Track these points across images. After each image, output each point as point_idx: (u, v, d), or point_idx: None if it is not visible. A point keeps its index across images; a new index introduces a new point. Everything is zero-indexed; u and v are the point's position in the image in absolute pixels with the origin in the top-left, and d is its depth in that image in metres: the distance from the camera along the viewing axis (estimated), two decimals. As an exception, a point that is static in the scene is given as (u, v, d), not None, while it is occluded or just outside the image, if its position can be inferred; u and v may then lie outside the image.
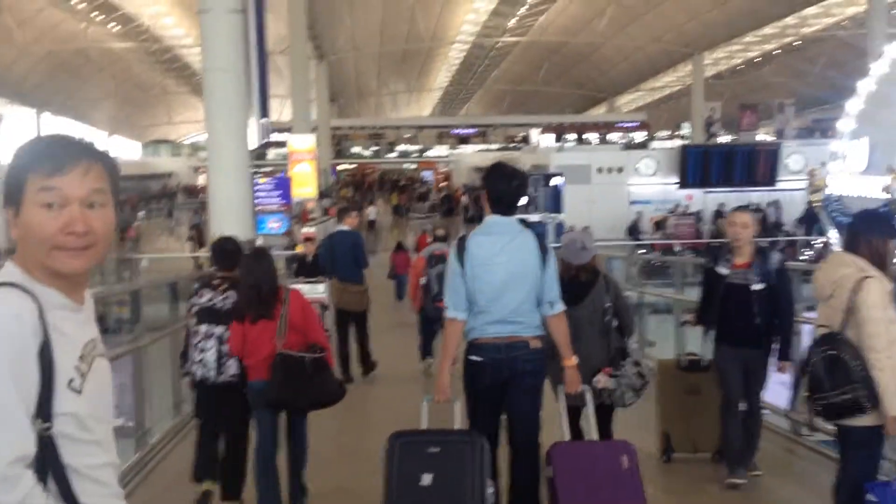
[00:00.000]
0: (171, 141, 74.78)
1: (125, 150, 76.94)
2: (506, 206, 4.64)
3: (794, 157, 31.94)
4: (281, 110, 61.47)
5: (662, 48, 58.21)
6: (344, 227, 10.03)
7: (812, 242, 24.41)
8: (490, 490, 4.28)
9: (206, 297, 5.65)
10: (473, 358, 4.62)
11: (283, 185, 33.72)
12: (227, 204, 24.08)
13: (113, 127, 76.32)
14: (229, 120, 23.82)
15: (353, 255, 9.74)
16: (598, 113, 75.56)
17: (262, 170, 39.57)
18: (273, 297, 5.33)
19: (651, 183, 31.75)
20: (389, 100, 77.85)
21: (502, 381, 4.60)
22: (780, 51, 61.85)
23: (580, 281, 5.41)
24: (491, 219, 4.65)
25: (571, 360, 4.74)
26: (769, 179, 31.54)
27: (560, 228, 25.81)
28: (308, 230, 33.82)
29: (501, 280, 4.51)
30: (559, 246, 5.76)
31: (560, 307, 4.66)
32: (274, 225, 33.37)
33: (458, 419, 4.73)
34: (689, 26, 53.16)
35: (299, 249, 19.25)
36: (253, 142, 31.56)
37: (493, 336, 4.54)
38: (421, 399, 4.84)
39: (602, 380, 5.29)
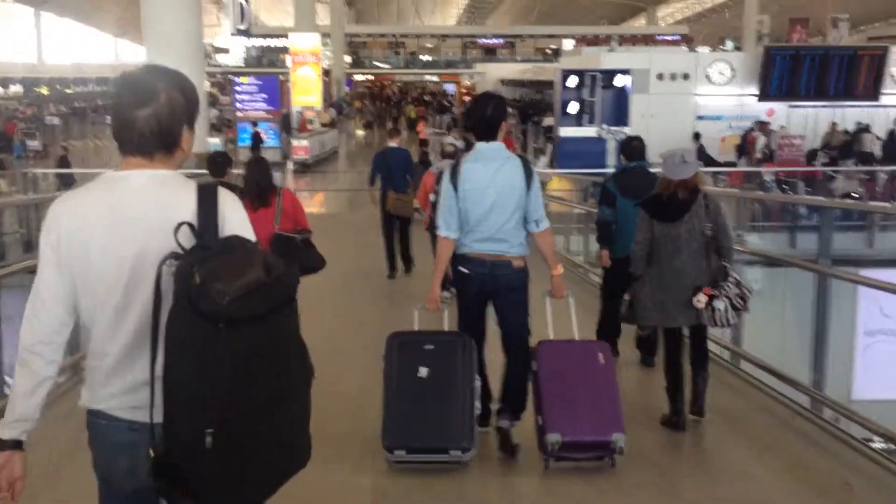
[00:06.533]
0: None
1: (132, 54, 69.83)
2: (487, 133, 4.80)
3: (904, 66, 24.43)
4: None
5: (713, -49, 50.14)
6: (394, 144, 11.08)
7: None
8: (477, 383, 4.65)
9: None
10: (461, 269, 4.87)
11: (271, 88, 26.49)
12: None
13: (119, 30, 69.14)
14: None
15: (405, 169, 10.62)
16: (637, 25, 67.19)
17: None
18: (268, 192, 6.56)
19: (724, 94, 24.29)
20: (411, 5, 69.60)
21: (486, 292, 4.86)
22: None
23: (678, 198, 5.18)
24: (480, 146, 4.83)
25: (558, 270, 4.96)
26: (872, 92, 24.10)
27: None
28: (300, 142, 27.09)
29: (491, 203, 4.72)
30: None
31: (545, 224, 4.85)
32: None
33: (446, 325, 5.09)
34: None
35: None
36: (231, 26, 24.61)
37: (480, 252, 4.79)
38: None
39: (703, 298, 5.10)
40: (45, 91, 55.54)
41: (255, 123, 26.10)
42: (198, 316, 1.97)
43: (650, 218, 5.22)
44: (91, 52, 70.63)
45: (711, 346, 6.72)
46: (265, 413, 2.05)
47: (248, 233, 2.27)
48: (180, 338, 2.01)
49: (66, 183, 17.16)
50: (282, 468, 2.19)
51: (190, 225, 2.13)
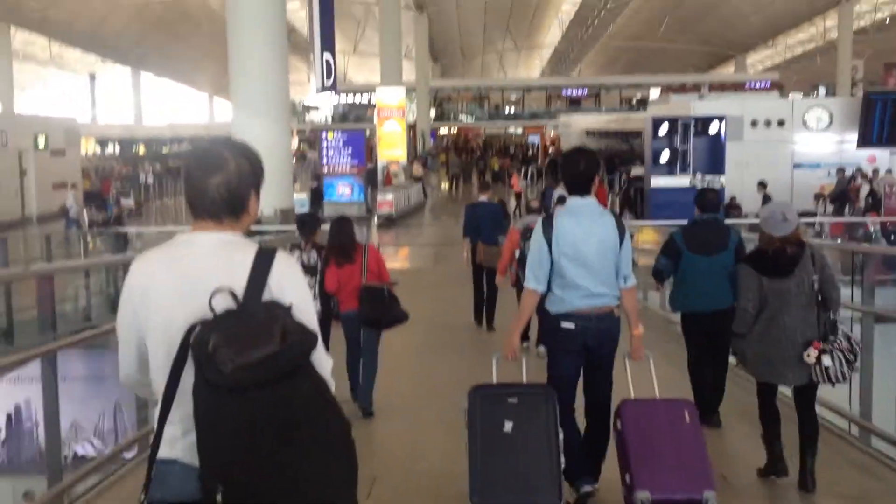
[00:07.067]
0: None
1: (226, 113, 71.87)
2: (580, 188, 4.83)
3: None
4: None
5: (802, -4, 49.06)
6: (484, 198, 11.29)
7: None
8: (561, 436, 4.57)
9: (295, 256, 7.26)
10: (566, 325, 4.80)
11: (356, 142, 26.52)
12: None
13: (214, 89, 71.23)
14: (259, 36, 17.08)
15: (494, 222, 10.78)
16: (726, 72, 66.02)
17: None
18: (351, 250, 7.09)
19: (822, 140, 23.32)
20: (495, 59, 69.95)
21: (589, 346, 4.82)
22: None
23: (786, 254, 5.07)
24: (573, 201, 4.86)
25: (639, 330, 4.91)
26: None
27: (719, 196, 17.94)
28: (385, 197, 27.00)
29: (586, 258, 4.72)
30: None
31: (632, 281, 4.86)
32: (343, 191, 26.39)
33: (525, 376, 4.95)
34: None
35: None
36: (317, 82, 24.78)
37: (586, 308, 4.75)
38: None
39: (813, 354, 4.92)
40: (141, 151, 57.36)
41: (317, 178, 26.16)
42: (206, 382, 2.10)
43: (757, 274, 5.08)
44: (187, 111, 73.02)
45: (837, 419, 6.14)
46: (278, 473, 2.12)
47: (297, 296, 2.34)
48: (195, 402, 2.15)
49: (122, 243, 17.56)
50: None
51: (231, 292, 2.22)
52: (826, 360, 4.87)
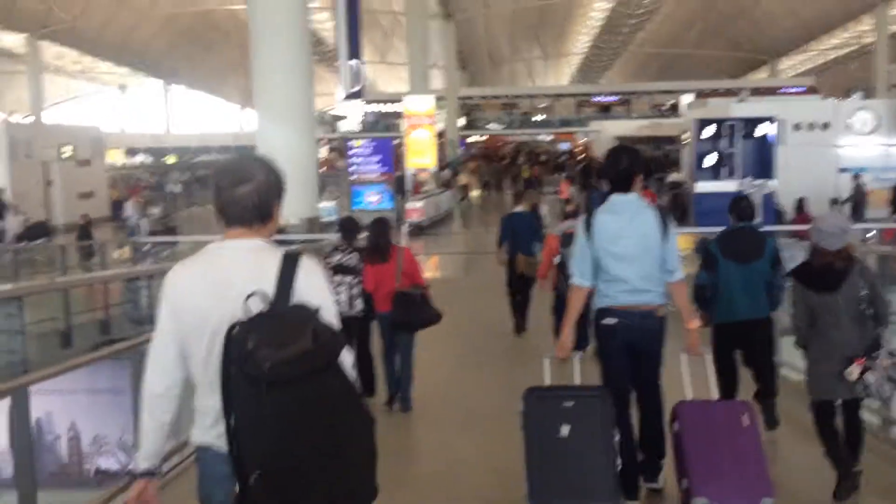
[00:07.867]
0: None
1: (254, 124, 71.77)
2: (622, 185, 4.81)
3: None
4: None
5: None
6: (519, 209, 11.17)
7: None
8: (616, 438, 4.55)
9: (336, 257, 7.49)
10: (607, 321, 4.80)
11: (384, 150, 25.87)
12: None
13: (245, 100, 71.14)
14: (281, 46, 16.51)
15: (531, 232, 10.61)
16: (759, 78, 64.80)
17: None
18: (386, 249, 7.44)
19: (867, 144, 22.33)
20: (524, 67, 69.23)
21: (633, 342, 4.78)
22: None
23: (835, 268, 4.91)
24: (614, 198, 4.83)
25: (693, 323, 4.88)
26: None
27: (769, 201, 17.03)
28: (414, 205, 26.32)
29: (625, 253, 4.69)
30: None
31: (680, 275, 4.80)
32: (372, 199, 25.72)
33: (578, 376, 4.95)
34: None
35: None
36: (344, 86, 24.17)
37: (628, 304, 4.72)
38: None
39: (855, 371, 4.81)
40: (171, 160, 57.28)
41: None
42: (245, 377, 2.27)
43: (805, 288, 5.02)
44: (217, 122, 72.99)
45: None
46: (313, 460, 2.29)
47: (321, 298, 2.53)
48: (234, 396, 2.34)
49: (88, 254, 17.03)
50: None
51: (262, 294, 2.40)
52: (868, 377, 4.79)
